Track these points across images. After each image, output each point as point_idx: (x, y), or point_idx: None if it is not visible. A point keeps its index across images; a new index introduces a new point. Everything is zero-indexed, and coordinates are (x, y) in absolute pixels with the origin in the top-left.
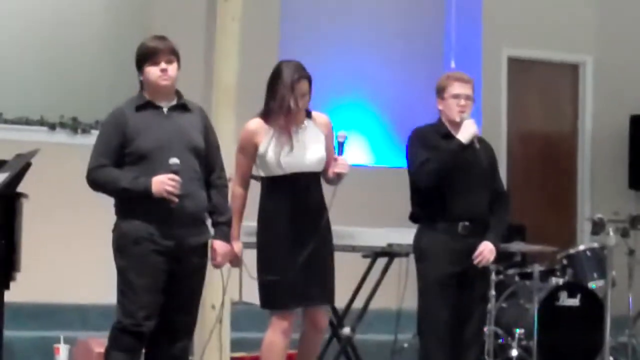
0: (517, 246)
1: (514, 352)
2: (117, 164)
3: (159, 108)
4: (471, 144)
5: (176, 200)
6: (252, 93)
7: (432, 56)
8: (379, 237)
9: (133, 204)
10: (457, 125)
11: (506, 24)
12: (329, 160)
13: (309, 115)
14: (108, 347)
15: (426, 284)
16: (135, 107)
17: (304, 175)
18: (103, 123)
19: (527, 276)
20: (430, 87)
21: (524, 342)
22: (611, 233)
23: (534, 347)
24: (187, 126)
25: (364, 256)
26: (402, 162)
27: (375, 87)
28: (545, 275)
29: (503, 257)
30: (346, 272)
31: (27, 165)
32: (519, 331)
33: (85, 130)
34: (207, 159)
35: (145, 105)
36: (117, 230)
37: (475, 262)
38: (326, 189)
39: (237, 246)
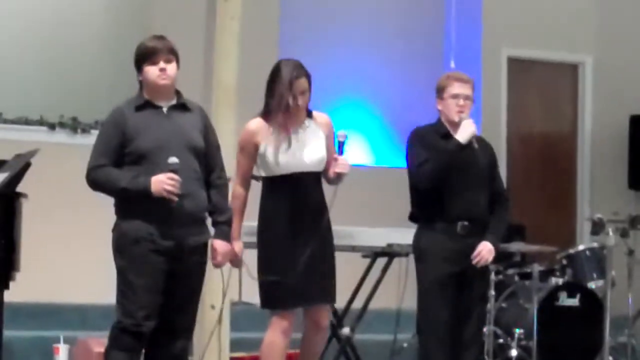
0: (516, 246)
1: (514, 352)
2: (117, 164)
3: (158, 108)
4: (469, 144)
5: (176, 199)
6: (252, 93)
7: (432, 56)
8: (379, 237)
9: (133, 204)
10: (457, 125)
11: (506, 23)
12: (330, 160)
13: (309, 115)
14: (108, 347)
15: (425, 284)
16: (134, 107)
17: (304, 175)
18: (103, 123)
19: (527, 276)
20: (430, 87)
21: (523, 342)
22: (611, 233)
23: (533, 347)
24: (187, 126)
25: (364, 256)
26: (402, 162)
27: (375, 87)
28: (545, 275)
29: (502, 257)
30: (346, 272)
31: (27, 165)
32: (518, 331)
33: (85, 130)
34: (207, 159)
35: (145, 105)
36: (116, 230)
37: (474, 262)
38: (327, 189)
39: (237, 246)
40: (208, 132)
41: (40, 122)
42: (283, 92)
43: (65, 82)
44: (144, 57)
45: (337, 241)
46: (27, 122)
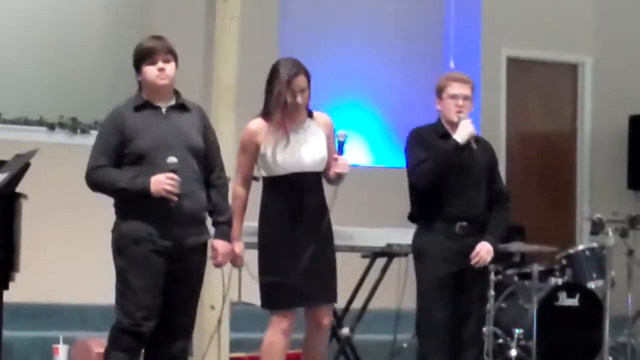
0: (516, 246)
1: (513, 352)
2: (116, 164)
3: (157, 108)
4: (468, 144)
5: (175, 199)
6: (251, 93)
7: (431, 56)
8: (379, 237)
9: (132, 204)
10: (456, 125)
11: (505, 23)
12: (330, 160)
13: (310, 115)
14: (108, 347)
15: (425, 284)
16: (133, 107)
17: (305, 175)
18: (102, 124)
19: (526, 276)
20: (430, 87)
21: (523, 342)
22: (610, 233)
23: (533, 347)
24: (186, 126)
25: (363, 256)
26: (402, 162)
27: (375, 87)
28: (545, 275)
29: (502, 257)
30: (345, 272)
31: (27, 166)
32: (518, 331)
33: (84, 131)
34: (206, 159)
35: (144, 105)
36: (116, 230)
37: (472, 262)
38: (327, 189)
39: (238, 246)
40: (207, 132)
41: (40, 123)
42: (281, 90)
43: (65, 82)
44: (142, 57)
45: (336, 241)
46: (26, 122)
